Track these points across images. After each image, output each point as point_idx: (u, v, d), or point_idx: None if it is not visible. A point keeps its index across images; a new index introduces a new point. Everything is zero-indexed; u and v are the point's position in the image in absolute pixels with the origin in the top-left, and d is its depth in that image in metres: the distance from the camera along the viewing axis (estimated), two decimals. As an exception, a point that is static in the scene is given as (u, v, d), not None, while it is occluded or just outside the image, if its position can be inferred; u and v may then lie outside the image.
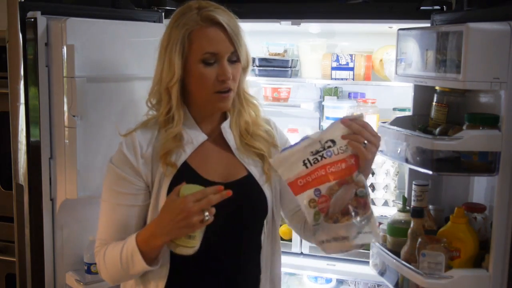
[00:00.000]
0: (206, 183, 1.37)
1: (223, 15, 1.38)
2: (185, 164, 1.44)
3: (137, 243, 1.32)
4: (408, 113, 2.12)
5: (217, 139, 1.50)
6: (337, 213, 1.27)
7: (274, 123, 1.63)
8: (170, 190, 1.38)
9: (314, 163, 1.30)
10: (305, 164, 1.30)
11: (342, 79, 2.51)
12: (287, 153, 1.33)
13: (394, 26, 2.22)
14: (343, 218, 1.27)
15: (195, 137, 1.46)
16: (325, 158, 1.30)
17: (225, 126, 1.49)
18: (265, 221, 1.50)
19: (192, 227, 1.25)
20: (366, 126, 1.31)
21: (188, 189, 1.29)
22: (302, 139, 1.33)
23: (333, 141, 1.31)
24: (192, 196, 1.25)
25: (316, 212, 1.29)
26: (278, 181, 1.52)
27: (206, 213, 1.24)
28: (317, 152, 1.30)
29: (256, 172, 1.49)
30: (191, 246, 1.29)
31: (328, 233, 1.28)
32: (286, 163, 1.32)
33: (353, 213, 1.27)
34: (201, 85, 1.40)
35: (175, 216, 1.25)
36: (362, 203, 1.28)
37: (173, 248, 1.30)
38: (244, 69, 1.46)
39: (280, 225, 1.88)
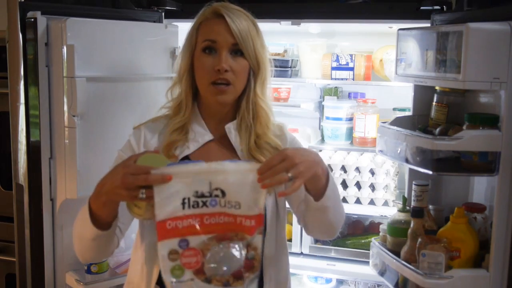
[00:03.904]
0: None
1: (232, 12, 1.41)
2: (186, 158, 1.44)
3: (89, 199, 1.31)
4: (408, 113, 2.12)
5: (223, 140, 1.50)
6: (226, 275, 1.14)
7: (286, 128, 1.57)
8: None
9: (193, 207, 1.15)
10: (183, 203, 1.14)
11: (342, 79, 2.51)
12: (172, 172, 1.14)
13: (394, 26, 2.22)
14: (236, 282, 1.14)
15: (201, 135, 1.47)
16: (207, 206, 1.15)
17: (230, 127, 1.49)
18: (266, 224, 1.47)
19: (121, 198, 1.20)
20: (284, 159, 1.20)
21: (147, 159, 1.19)
22: (192, 162, 1.21)
23: (223, 192, 1.16)
24: (134, 169, 1.17)
25: (176, 267, 1.12)
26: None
27: (143, 191, 1.15)
28: (202, 195, 1.15)
29: None
30: (137, 214, 1.22)
31: None
32: (166, 191, 1.14)
33: (245, 277, 1.16)
34: (200, 75, 1.43)
35: (113, 180, 1.20)
36: (249, 265, 1.16)
37: (127, 208, 1.24)
38: (256, 73, 1.45)
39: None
